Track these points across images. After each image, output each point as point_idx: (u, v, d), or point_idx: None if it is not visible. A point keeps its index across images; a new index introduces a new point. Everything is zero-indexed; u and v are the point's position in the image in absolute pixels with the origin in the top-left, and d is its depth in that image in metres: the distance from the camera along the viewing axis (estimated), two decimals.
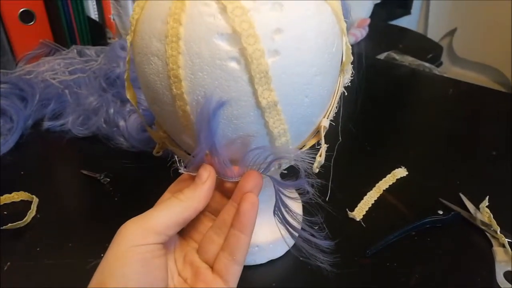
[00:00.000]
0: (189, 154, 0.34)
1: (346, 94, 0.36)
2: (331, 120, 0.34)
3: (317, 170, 0.33)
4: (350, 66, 0.35)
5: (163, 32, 0.27)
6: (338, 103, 0.35)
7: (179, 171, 0.31)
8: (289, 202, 0.32)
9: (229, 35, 0.26)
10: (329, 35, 0.29)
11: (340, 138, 0.39)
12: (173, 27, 0.26)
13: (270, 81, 0.27)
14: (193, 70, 0.27)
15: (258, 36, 0.26)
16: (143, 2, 0.28)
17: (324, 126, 0.33)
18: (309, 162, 0.30)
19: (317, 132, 0.34)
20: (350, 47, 0.33)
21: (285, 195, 0.32)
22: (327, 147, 0.34)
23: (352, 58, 0.34)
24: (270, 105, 0.28)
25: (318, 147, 0.34)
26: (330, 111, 0.34)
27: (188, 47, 0.27)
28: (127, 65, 0.33)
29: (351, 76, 0.36)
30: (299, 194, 0.32)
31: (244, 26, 0.25)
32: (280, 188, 0.32)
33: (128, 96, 0.35)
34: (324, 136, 0.34)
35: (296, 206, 0.45)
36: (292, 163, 0.35)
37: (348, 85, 0.36)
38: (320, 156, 0.33)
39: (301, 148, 0.34)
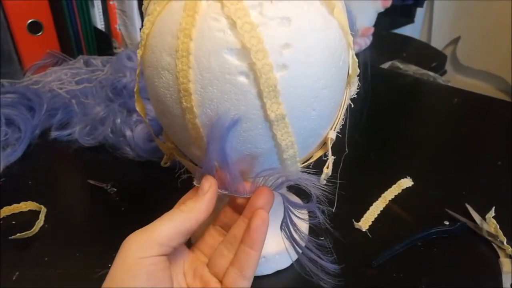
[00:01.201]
0: (197, 165, 0.35)
1: (352, 106, 0.36)
2: (337, 132, 0.35)
3: (324, 182, 0.34)
4: (357, 79, 0.35)
5: (174, 47, 0.27)
6: (344, 115, 0.35)
7: (193, 183, 0.31)
8: (296, 220, 0.33)
9: (238, 50, 0.26)
10: (336, 49, 0.30)
11: (346, 149, 0.39)
12: (184, 42, 0.27)
13: (278, 95, 0.27)
14: (203, 84, 0.28)
15: (267, 51, 0.26)
16: (154, 17, 0.29)
17: (331, 138, 0.34)
18: (319, 187, 0.30)
19: (324, 144, 0.35)
20: (357, 60, 0.33)
21: (294, 214, 0.32)
22: (334, 159, 0.34)
23: (358, 71, 0.34)
24: (279, 118, 0.28)
25: (325, 158, 0.35)
26: (337, 123, 0.34)
27: (198, 61, 0.27)
28: (137, 78, 0.33)
29: (358, 88, 0.36)
30: (309, 216, 0.33)
31: (254, 42, 0.26)
32: (290, 207, 0.32)
33: (137, 109, 0.36)
34: (331, 147, 0.34)
35: (302, 217, 0.45)
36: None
37: (354, 97, 0.37)
38: (327, 168, 0.33)
39: (308, 160, 0.35)
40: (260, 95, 0.27)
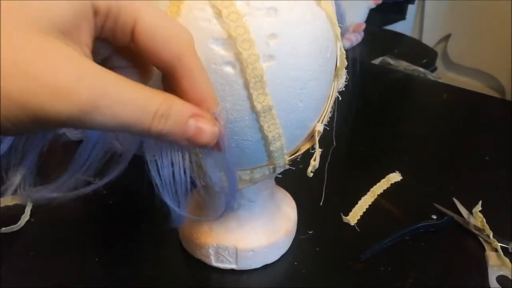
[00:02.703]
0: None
1: (340, 99, 0.36)
2: (325, 125, 0.35)
3: (311, 174, 0.33)
4: (344, 71, 0.35)
5: None
6: (332, 107, 0.35)
7: None
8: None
9: (224, 39, 0.26)
10: (323, 40, 0.29)
11: (334, 142, 0.39)
12: None
13: (265, 86, 0.27)
14: None
15: (253, 41, 0.26)
16: None
17: (319, 131, 0.34)
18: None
19: (311, 136, 0.35)
20: (344, 52, 0.33)
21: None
22: (322, 152, 0.34)
23: (346, 63, 0.34)
24: (265, 109, 0.28)
25: (313, 151, 0.34)
26: (325, 115, 0.34)
27: None
28: None
29: (346, 81, 0.36)
30: None
31: (239, 31, 0.25)
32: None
33: None
34: (319, 140, 0.34)
35: (291, 210, 0.45)
36: (287, 167, 0.35)
37: (342, 90, 0.37)
38: (314, 160, 0.33)
39: (295, 153, 0.34)
40: (246, 86, 0.27)
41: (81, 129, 0.20)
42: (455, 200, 0.51)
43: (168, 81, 0.24)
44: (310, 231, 0.47)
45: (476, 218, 0.48)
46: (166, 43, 0.22)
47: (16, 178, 0.26)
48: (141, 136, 0.21)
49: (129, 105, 0.20)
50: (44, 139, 0.26)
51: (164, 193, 0.26)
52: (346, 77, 0.36)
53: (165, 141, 0.22)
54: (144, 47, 0.22)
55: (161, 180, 0.25)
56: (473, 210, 0.48)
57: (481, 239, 0.46)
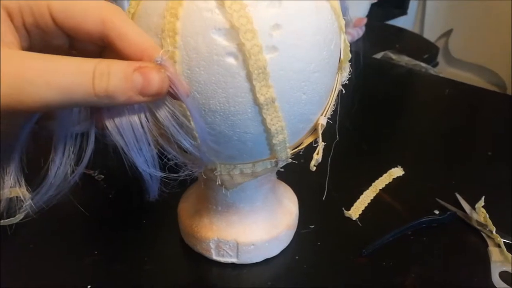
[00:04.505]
0: (185, 152, 0.34)
1: (343, 92, 0.35)
2: (328, 118, 0.34)
3: (314, 168, 0.33)
4: (348, 64, 0.35)
5: (160, 27, 0.27)
6: (335, 101, 0.35)
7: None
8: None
9: (226, 30, 0.26)
10: (327, 32, 0.29)
11: (337, 136, 0.38)
12: (170, 21, 0.26)
13: (268, 77, 0.26)
14: (190, 65, 0.27)
15: (256, 31, 0.25)
16: None
17: (322, 124, 0.33)
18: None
19: (314, 130, 0.34)
20: (349, 44, 0.33)
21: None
22: (324, 146, 0.34)
23: (350, 56, 0.33)
24: (268, 102, 0.27)
25: (315, 145, 0.34)
26: (328, 109, 0.34)
27: (185, 42, 0.26)
28: None
29: (349, 74, 0.36)
30: None
31: (242, 21, 0.25)
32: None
33: None
34: (322, 134, 0.33)
35: (292, 205, 0.45)
36: (289, 161, 0.34)
37: (345, 83, 0.36)
38: (318, 154, 0.33)
39: (298, 146, 0.34)
40: (249, 77, 0.27)
41: (31, 111, 0.21)
42: (457, 195, 0.51)
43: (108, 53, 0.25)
44: (312, 225, 0.46)
45: (479, 214, 0.48)
46: (84, 14, 0.23)
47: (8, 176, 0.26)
48: (92, 103, 0.21)
49: (60, 70, 0.20)
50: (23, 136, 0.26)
51: (131, 153, 0.26)
52: (350, 70, 0.36)
53: (118, 103, 0.22)
54: (68, 28, 0.23)
55: (124, 141, 0.25)
56: (476, 206, 0.48)
57: (483, 234, 0.46)
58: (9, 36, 0.22)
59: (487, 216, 0.46)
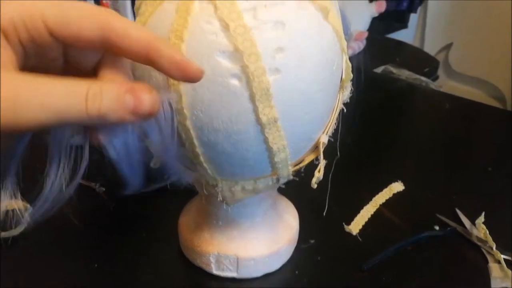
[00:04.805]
0: (187, 167, 0.34)
1: (345, 111, 0.36)
2: (329, 136, 0.35)
3: (315, 186, 0.34)
4: (350, 83, 0.35)
5: None
6: (337, 119, 0.35)
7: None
8: None
9: (231, 53, 0.26)
10: (329, 54, 0.30)
11: (338, 153, 0.39)
12: (175, 43, 0.27)
13: (271, 98, 0.27)
14: (194, 86, 0.27)
15: (259, 54, 0.26)
16: (145, 17, 0.29)
17: (323, 142, 0.34)
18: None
19: (315, 147, 0.35)
20: (350, 64, 0.33)
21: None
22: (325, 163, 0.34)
23: (351, 75, 0.34)
24: (271, 122, 0.28)
25: (317, 162, 0.35)
26: (329, 127, 0.34)
27: None
28: None
29: (350, 93, 0.36)
30: None
31: (247, 45, 0.25)
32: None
33: None
34: (323, 151, 0.34)
35: (293, 219, 0.45)
36: (291, 178, 0.35)
37: (347, 101, 0.37)
38: (319, 171, 0.33)
39: (299, 163, 0.35)
40: (252, 98, 0.27)
41: (26, 130, 0.21)
42: (457, 210, 0.51)
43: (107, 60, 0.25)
44: (312, 240, 0.47)
45: (479, 230, 0.48)
46: (81, 21, 0.23)
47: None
48: (85, 123, 0.22)
49: (54, 93, 0.20)
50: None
51: (121, 166, 0.26)
52: (351, 89, 0.36)
53: (111, 122, 0.22)
54: (67, 37, 0.23)
55: (117, 156, 0.26)
56: (476, 221, 0.48)
57: (484, 250, 0.46)
58: (5, 56, 0.22)
59: (487, 232, 0.47)
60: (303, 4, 0.28)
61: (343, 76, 0.34)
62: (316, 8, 0.28)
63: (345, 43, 0.31)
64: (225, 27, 0.26)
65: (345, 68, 0.33)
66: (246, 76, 0.26)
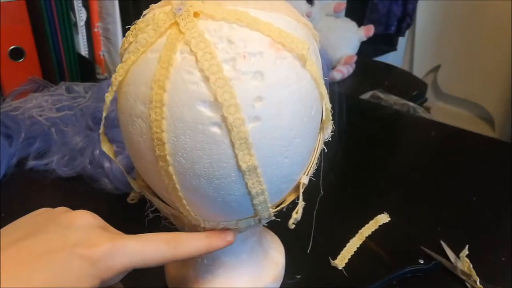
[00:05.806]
0: (168, 205, 0.35)
1: (326, 151, 0.36)
2: (311, 176, 0.35)
3: (293, 226, 0.34)
4: (330, 123, 0.36)
5: (148, 97, 0.28)
6: (318, 159, 0.36)
7: (162, 221, 0.31)
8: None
9: (211, 102, 0.27)
10: (308, 100, 0.30)
11: (321, 191, 0.39)
12: (158, 93, 0.27)
13: (250, 147, 0.28)
14: (176, 134, 0.28)
15: (239, 105, 0.26)
16: (128, 65, 0.29)
17: (303, 183, 0.34)
18: None
19: (297, 187, 0.35)
20: (330, 107, 0.34)
21: None
22: (310, 199, 0.35)
23: (331, 118, 0.35)
24: (250, 169, 0.28)
25: (298, 201, 0.35)
26: (310, 168, 0.35)
27: (171, 112, 0.27)
28: (102, 120, 0.33)
29: (332, 132, 0.37)
30: None
31: (226, 97, 0.26)
32: None
33: (104, 149, 0.36)
34: (303, 192, 0.34)
35: (279, 255, 0.45)
36: (272, 218, 0.35)
37: (329, 140, 0.37)
38: (297, 213, 0.34)
39: (281, 204, 0.35)
40: (232, 146, 0.28)
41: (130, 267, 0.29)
42: (442, 243, 0.51)
43: None
44: (298, 275, 0.47)
45: (462, 263, 0.48)
46: (154, 250, 0.30)
47: None
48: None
49: (148, 245, 0.29)
50: None
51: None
52: (333, 128, 0.37)
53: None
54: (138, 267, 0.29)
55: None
56: (460, 255, 0.49)
57: (468, 284, 0.46)
58: None
59: (471, 266, 0.47)
60: (282, 54, 0.28)
61: (324, 118, 0.34)
62: (294, 57, 0.29)
63: (324, 88, 0.32)
64: (206, 77, 0.26)
65: (325, 110, 0.34)
66: (226, 125, 0.27)
